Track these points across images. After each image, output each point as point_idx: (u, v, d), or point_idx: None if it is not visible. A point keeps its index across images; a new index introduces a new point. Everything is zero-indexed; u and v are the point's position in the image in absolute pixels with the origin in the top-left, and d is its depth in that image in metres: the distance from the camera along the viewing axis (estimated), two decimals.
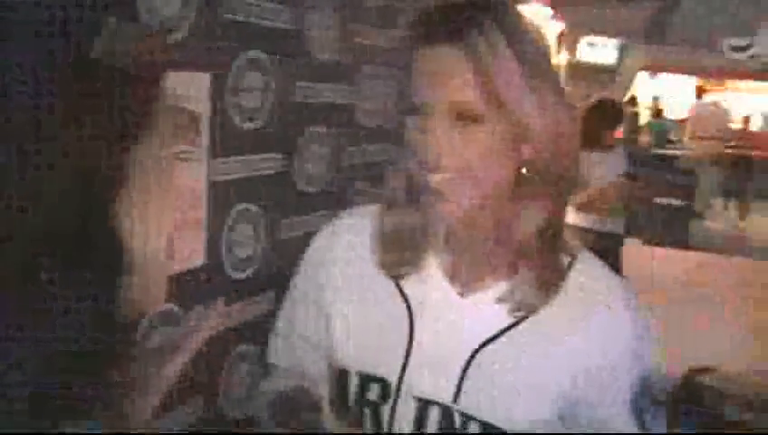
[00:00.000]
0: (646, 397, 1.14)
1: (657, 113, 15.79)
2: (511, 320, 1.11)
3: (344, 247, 1.24)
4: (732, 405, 2.99)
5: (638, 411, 1.13)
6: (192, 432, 1.99)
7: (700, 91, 16.62)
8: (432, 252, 1.18)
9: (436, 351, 1.14)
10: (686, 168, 11.52)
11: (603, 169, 4.74)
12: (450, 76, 1.04)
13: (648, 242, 10.00)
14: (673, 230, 10.17)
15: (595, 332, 1.11)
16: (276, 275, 2.23)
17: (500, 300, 1.12)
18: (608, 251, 4.85)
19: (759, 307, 7.11)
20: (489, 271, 1.15)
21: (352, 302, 1.22)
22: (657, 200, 10.19)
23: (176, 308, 1.78)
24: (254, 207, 2.08)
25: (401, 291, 1.18)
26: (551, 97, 1.07)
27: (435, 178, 1.06)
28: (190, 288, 1.83)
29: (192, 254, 1.84)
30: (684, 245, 10.15)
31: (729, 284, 8.28)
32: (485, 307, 1.13)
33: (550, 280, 1.11)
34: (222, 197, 1.93)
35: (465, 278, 1.16)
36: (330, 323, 1.23)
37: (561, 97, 1.10)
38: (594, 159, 4.79)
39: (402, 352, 1.15)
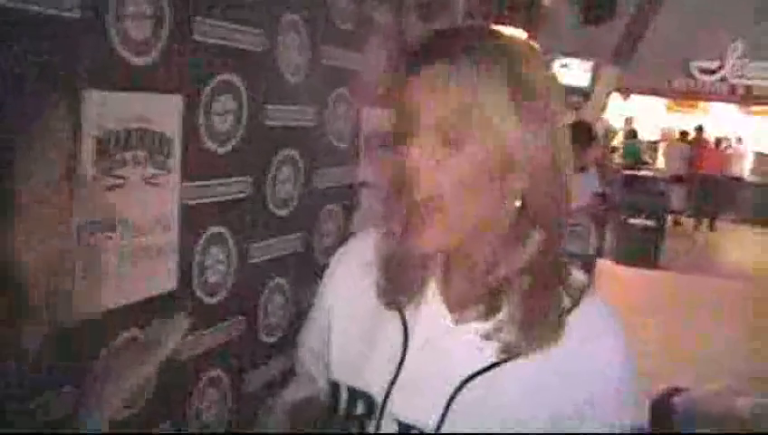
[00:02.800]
0: None
1: (631, 134, 15.96)
2: (501, 355, 1.10)
3: (349, 268, 1.28)
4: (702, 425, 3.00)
5: None
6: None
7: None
8: (432, 277, 1.18)
9: (425, 376, 1.14)
10: (658, 188, 11.61)
11: (576, 189, 4.77)
12: (435, 102, 1.03)
13: (620, 262, 10.07)
14: (644, 250, 10.25)
15: (584, 380, 1.09)
16: (248, 300, 2.21)
17: (485, 337, 1.11)
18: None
19: (729, 325, 7.18)
20: (483, 302, 1.13)
21: (351, 318, 1.24)
22: (630, 220, 10.28)
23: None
24: (225, 231, 2.06)
25: (401, 312, 1.18)
26: (539, 124, 1.06)
27: (418, 205, 1.05)
28: (160, 313, 1.81)
29: (163, 278, 1.82)
30: (654, 265, 10.23)
31: (697, 302, 8.36)
32: (478, 338, 1.11)
33: (538, 323, 1.09)
34: (193, 220, 1.91)
35: (460, 307, 1.15)
36: (329, 337, 1.27)
37: (547, 122, 1.08)
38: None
39: (392, 372, 1.15)
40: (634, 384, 1.12)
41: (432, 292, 1.18)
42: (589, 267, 4.98)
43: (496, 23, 7.27)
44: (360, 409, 1.18)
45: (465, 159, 1.04)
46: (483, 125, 1.03)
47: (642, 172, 14.17)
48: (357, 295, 1.24)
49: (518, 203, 1.09)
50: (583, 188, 4.82)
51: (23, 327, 0.76)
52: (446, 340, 1.14)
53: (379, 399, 1.15)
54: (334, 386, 1.23)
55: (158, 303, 1.80)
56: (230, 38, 1.97)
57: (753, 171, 16.60)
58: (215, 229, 2.02)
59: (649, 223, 10.36)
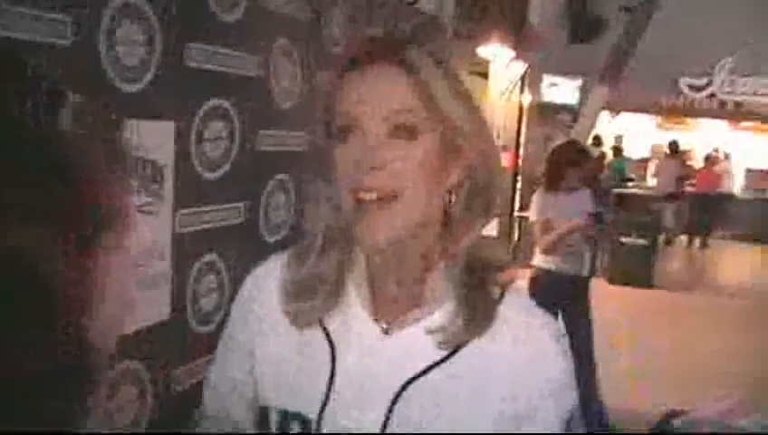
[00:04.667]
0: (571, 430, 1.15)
1: (617, 152, 16.01)
2: (439, 355, 1.12)
3: (269, 290, 1.24)
4: None
5: None
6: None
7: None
8: (353, 288, 1.18)
9: (362, 387, 1.14)
10: (649, 206, 11.64)
11: (569, 210, 4.77)
12: (388, 91, 1.07)
13: (613, 281, 10.08)
14: (637, 269, 10.26)
15: (524, 366, 1.12)
16: None
17: (429, 331, 1.12)
18: (576, 293, 4.88)
19: (725, 342, 7.18)
20: (413, 305, 1.15)
21: (276, 340, 1.22)
22: (622, 239, 10.30)
23: (140, 366, 1.75)
24: (218, 259, 2.05)
25: (324, 328, 1.18)
26: (475, 111, 1.13)
27: (366, 199, 1.07)
28: (155, 344, 1.80)
29: (157, 309, 1.81)
30: (648, 283, 10.23)
31: (692, 320, 8.37)
32: (411, 343, 1.13)
33: (480, 313, 1.12)
34: (186, 249, 1.90)
35: (389, 314, 1.16)
36: (254, 363, 1.24)
37: (483, 115, 1.16)
38: (560, 201, 4.83)
39: (323, 388, 1.15)
40: (570, 370, 1.16)
41: (356, 304, 1.18)
42: (584, 289, 4.98)
43: (484, 41, 7.31)
44: (294, 430, 1.17)
45: (415, 150, 1.07)
46: (436, 113, 1.08)
47: (633, 190, 14.21)
48: (279, 317, 1.21)
49: (453, 198, 1.14)
50: (576, 209, 4.83)
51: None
52: (376, 349, 1.15)
53: (313, 416, 1.15)
54: (263, 411, 1.22)
55: (152, 333, 1.79)
56: (221, 64, 1.97)
57: (744, 188, 16.68)
58: (208, 257, 2.01)
59: (642, 241, 10.38)
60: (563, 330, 1.22)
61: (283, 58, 2.24)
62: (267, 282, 1.25)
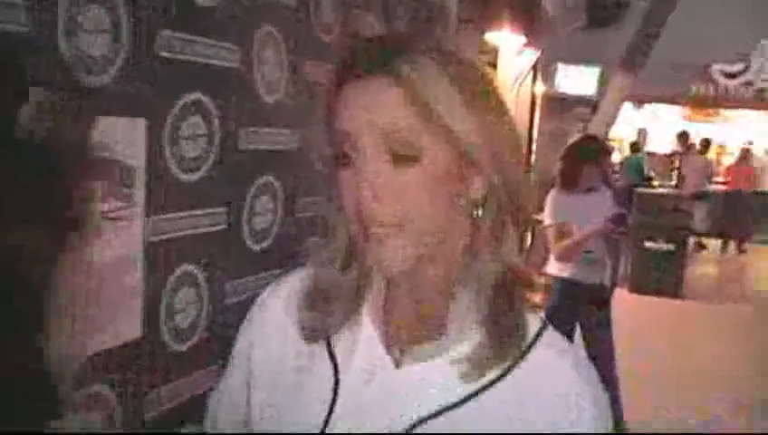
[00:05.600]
0: None
1: (634, 148, 15.98)
2: (450, 398, 1.10)
3: (279, 296, 1.27)
4: None
5: None
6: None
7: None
8: (368, 313, 1.19)
9: (363, 423, 1.13)
10: (677, 207, 11.60)
11: (587, 212, 4.76)
12: (383, 110, 1.05)
13: (636, 290, 10.05)
14: (664, 277, 10.22)
15: (551, 421, 1.09)
16: (223, 345, 2.19)
17: (455, 361, 1.10)
18: (595, 304, 4.86)
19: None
20: (432, 336, 1.14)
21: (276, 360, 1.23)
22: (647, 244, 10.27)
23: (108, 390, 1.74)
24: (196, 270, 2.05)
25: (331, 353, 1.18)
26: (497, 119, 1.10)
27: (372, 229, 1.07)
28: (125, 365, 1.79)
29: (127, 325, 1.80)
30: (676, 293, 10.20)
31: (726, 334, 8.35)
32: (424, 380, 1.12)
33: (511, 341, 1.11)
34: (160, 259, 1.90)
35: (403, 345, 1.15)
36: (250, 383, 1.26)
37: (509, 121, 1.13)
38: (577, 202, 4.82)
39: (320, 420, 1.14)
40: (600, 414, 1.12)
41: (369, 330, 1.18)
42: (605, 299, 4.96)
43: (494, 28, 7.31)
44: None
45: (419, 173, 1.06)
46: (438, 127, 1.05)
47: (658, 190, 14.20)
48: (283, 323, 1.23)
49: (479, 210, 1.13)
50: (595, 210, 4.81)
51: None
52: (385, 383, 1.14)
53: None
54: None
55: (121, 353, 1.78)
56: (198, 53, 1.97)
57: None
58: (185, 268, 2.00)
59: (669, 246, 10.34)
60: (591, 365, 1.18)
61: (268, 47, 2.23)
62: (280, 288, 1.28)
